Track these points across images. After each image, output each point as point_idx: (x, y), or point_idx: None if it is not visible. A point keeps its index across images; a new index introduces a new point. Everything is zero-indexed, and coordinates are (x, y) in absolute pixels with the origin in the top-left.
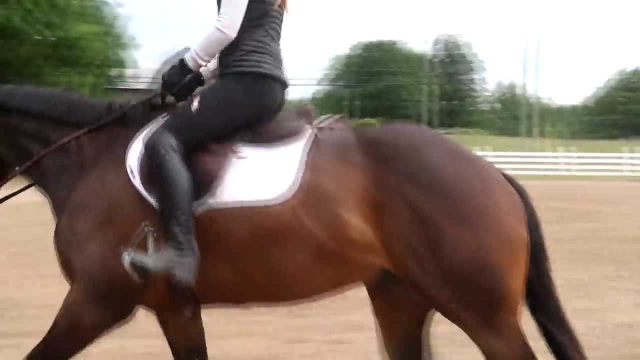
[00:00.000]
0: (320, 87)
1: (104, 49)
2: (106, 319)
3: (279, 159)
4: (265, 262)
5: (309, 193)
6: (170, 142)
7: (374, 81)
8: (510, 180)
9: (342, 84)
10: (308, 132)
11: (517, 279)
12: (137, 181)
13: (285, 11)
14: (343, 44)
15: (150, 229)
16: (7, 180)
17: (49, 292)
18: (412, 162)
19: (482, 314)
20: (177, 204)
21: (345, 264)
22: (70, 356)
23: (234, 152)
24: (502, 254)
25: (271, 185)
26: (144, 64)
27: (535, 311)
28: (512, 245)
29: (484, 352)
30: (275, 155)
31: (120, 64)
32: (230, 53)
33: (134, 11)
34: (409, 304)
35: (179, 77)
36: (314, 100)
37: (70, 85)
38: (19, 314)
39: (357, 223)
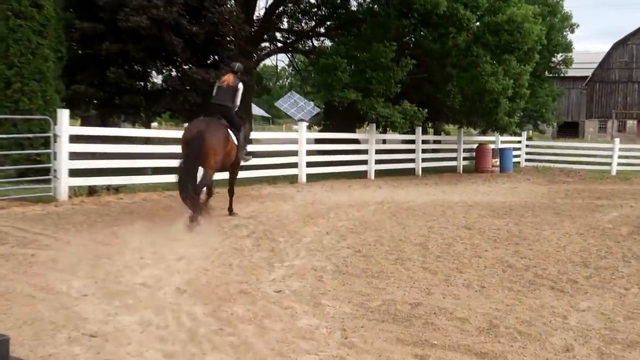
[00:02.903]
0: None
1: (545, 32)
2: None
3: None
4: None
5: None
6: None
7: None
8: (195, 132)
9: None
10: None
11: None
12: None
13: (224, 84)
14: None
15: None
16: None
17: (459, 303)
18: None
19: None
20: None
21: None
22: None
23: None
24: None
25: None
26: (580, 47)
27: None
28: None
29: None
30: None
31: (563, 47)
32: None
33: None
34: None
35: None
36: None
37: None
38: (427, 321)
39: None
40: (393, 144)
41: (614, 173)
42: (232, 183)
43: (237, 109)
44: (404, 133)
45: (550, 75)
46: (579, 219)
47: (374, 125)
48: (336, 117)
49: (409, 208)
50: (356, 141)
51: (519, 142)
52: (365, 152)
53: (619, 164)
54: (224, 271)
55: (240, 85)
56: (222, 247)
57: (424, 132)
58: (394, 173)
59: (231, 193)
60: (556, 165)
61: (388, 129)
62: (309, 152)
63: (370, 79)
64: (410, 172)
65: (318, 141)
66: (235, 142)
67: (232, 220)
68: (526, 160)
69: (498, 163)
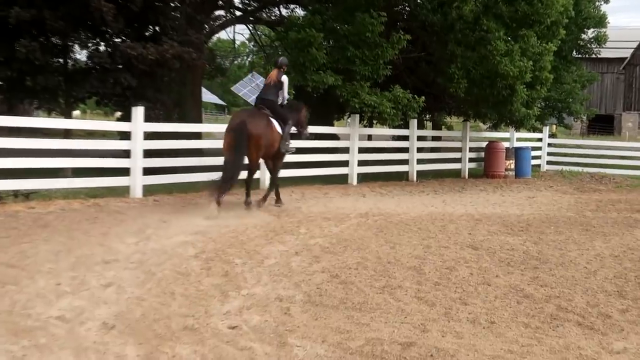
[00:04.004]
0: None
1: (572, 1)
2: None
3: None
4: None
5: None
6: None
7: None
8: (238, 122)
9: None
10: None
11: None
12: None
13: (269, 81)
14: None
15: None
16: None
17: (462, 343)
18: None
19: None
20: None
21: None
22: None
23: None
24: None
25: None
26: (616, 21)
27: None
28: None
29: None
30: None
31: (595, 21)
32: None
33: None
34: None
35: None
36: None
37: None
38: None
39: None
40: (381, 140)
41: None
42: (275, 175)
43: (285, 101)
44: (395, 127)
45: (579, 56)
46: (613, 237)
47: (357, 116)
48: (310, 106)
49: (400, 222)
50: (335, 137)
51: (540, 139)
52: (346, 150)
53: None
54: (164, 301)
55: (285, 78)
56: (162, 270)
57: (421, 126)
58: (382, 177)
59: (276, 184)
60: (585, 169)
61: (375, 121)
62: None
63: (353, 58)
64: (403, 177)
65: None
66: (280, 131)
67: (175, 236)
68: (548, 162)
69: (513, 166)
